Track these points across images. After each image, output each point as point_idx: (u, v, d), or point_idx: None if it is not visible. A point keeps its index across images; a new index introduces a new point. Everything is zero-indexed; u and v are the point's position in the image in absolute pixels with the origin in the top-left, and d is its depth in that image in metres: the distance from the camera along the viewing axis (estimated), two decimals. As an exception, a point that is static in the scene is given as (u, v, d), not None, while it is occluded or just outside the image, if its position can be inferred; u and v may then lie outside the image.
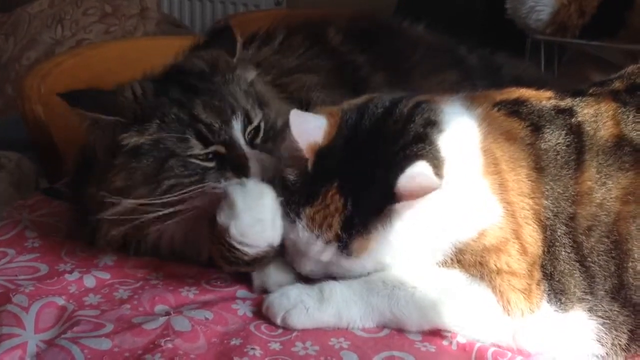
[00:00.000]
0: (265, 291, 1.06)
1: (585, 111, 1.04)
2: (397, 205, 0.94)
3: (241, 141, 1.11)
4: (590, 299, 0.96)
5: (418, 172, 0.93)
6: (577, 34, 1.77)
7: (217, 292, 1.08)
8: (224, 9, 3.11)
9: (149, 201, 1.08)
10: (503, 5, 1.84)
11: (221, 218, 1.00)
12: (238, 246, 1.00)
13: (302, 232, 0.97)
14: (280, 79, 1.35)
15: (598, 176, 0.98)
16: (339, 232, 0.96)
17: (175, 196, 1.08)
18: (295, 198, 0.98)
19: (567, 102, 1.06)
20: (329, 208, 0.96)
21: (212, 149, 1.10)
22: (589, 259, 0.97)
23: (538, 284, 0.97)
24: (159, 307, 1.04)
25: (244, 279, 1.10)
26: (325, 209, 0.96)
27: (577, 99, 1.06)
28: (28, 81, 1.71)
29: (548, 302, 0.97)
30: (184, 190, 1.08)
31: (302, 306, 0.97)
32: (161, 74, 1.22)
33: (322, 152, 0.99)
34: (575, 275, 0.97)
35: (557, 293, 0.97)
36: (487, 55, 1.64)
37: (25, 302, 1.02)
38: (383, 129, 1.00)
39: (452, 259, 0.99)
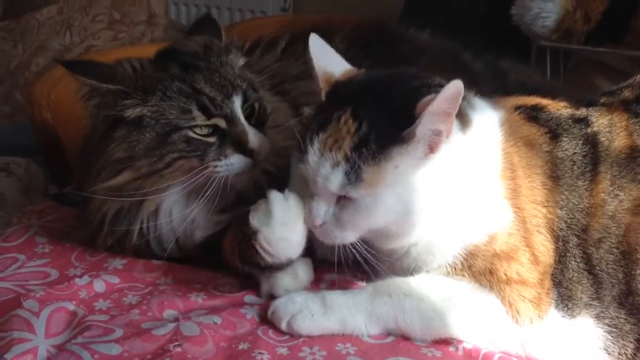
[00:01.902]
0: (272, 296, 1.07)
1: (600, 121, 1.04)
2: (417, 130, 0.88)
3: (242, 117, 1.14)
4: (597, 305, 0.97)
5: (448, 93, 0.86)
6: (582, 41, 1.77)
7: (225, 297, 1.10)
8: (231, 15, 3.12)
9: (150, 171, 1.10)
10: (508, 11, 1.85)
11: (254, 220, 1.02)
12: (260, 251, 1.03)
13: (312, 158, 0.92)
14: (284, 85, 1.37)
15: (611, 188, 0.99)
16: (349, 152, 0.90)
17: (175, 170, 1.10)
18: (309, 130, 0.95)
19: (582, 112, 1.06)
20: (340, 131, 0.92)
21: (213, 121, 1.13)
22: (597, 267, 0.97)
23: (548, 293, 0.97)
24: (167, 312, 1.05)
25: (252, 284, 1.11)
26: (337, 133, 0.92)
27: (591, 108, 1.06)
28: (37, 87, 1.73)
29: (555, 308, 0.97)
30: (185, 166, 1.10)
31: (307, 312, 0.98)
32: (156, 55, 1.24)
33: (338, 85, 0.98)
34: (583, 282, 0.97)
35: (565, 299, 0.97)
36: (493, 61, 1.64)
37: (36, 307, 1.03)
38: (404, 78, 0.97)
39: (462, 264, 0.98)
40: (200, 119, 1.12)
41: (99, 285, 1.12)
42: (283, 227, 1.01)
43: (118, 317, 1.03)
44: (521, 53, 1.78)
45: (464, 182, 0.97)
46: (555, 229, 0.98)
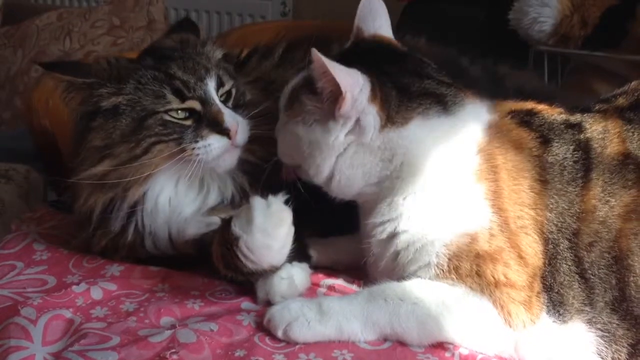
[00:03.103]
0: (269, 303, 1.07)
1: (594, 127, 1.05)
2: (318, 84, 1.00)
3: (216, 99, 1.16)
4: (589, 310, 0.97)
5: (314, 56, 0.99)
6: (579, 45, 1.77)
7: (222, 304, 1.10)
8: (231, 20, 3.13)
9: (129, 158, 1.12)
10: (506, 16, 1.85)
11: (236, 227, 1.02)
12: (241, 258, 1.03)
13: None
14: (280, 92, 1.36)
15: (603, 194, 0.99)
16: (298, 83, 1.07)
17: (155, 156, 1.12)
18: None
19: (576, 117, 1.07)
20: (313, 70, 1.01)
21: (188, 104, 1.14)
22: (589, 271, 0.98)
23: (538, 296, 0.98)
24: (164, 320, 1.05)
25: (248, 291, 1.11)
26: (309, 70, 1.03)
27: (586, 114, 1.07)
28: (36, 94, 1.73)
29: (547, 314, 0.98)
30: (164, 152, 1.12)
31: (303, 319, 0.98)
32: (137, 55, 1.28)
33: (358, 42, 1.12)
34: (575, 286, 0.98)
35: (556, 304, 0.98)
36: (490, 66, 1.64)
37: (33, 315, 1.03)
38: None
39: (448, 265, 0.99)
40: (174, 103, 1.14)
41: (96, 293, 1.12)
42: (264, 233, 1.01)
43: (115, 325, 1.03)
44: (519, 58, 1.78)
45: (427, 174, 1.01)
46: (545, 231, 0.99)
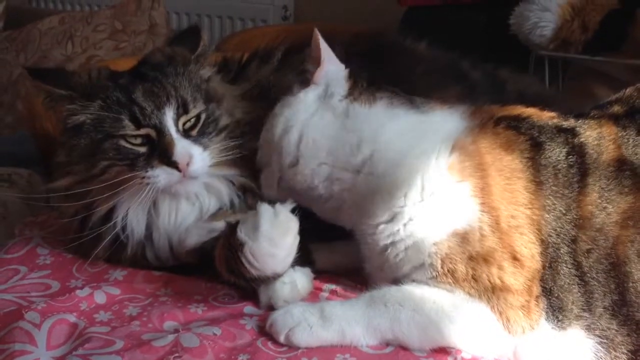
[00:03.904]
0: (272, 307, 1.08)
1: (588, 133, 1.05)
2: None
3: (171, 128, 1.15)
4: (587, 316, 0.97)
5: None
6: (580, 50, 1.78)
7: (224, 309, 1.10)
8: (232, 24, 3.14)
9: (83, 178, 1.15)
10: (507, 20, 1.86)
11: (241, 233, 1.03)
12: (245, 264, 1.03)
13: None
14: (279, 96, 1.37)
15: (599, 201, 0.99)
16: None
17: (114, 177, 1.13)
18: None
19: (570, 123, 1.07)
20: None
21: (143, 131, 1.14)
22: (588, 274, 0.98)
23: (537, 300, 0.98)
24: (168, 324, 1.05)
25: (251, 295, 1.12)
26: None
27: (580, 120, 1.07)
28: (39, 98, 1.73)
29: (546, 320, 0.98)
30: (122, 175, 1.13)
31: (305, 324, 0.99)
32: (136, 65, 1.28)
33: None
34: (574, 290, 0.98)
35: (555, 310, 0.98)
36: (491, 71, 1.64)
37: (37, 319, 1.04)
38: None
39: (442, 267, 0.99)
40: (129, 129, 1.14)
41: (99, 297, 1.12)
42: (270, 242, 1.02)
43: (119, 329, 1.03)
44: (519, 62, 1.78)
45: (403, 171, 1.03)
46: (543, 232, 0.99)
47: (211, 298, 1.13)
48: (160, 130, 1.14)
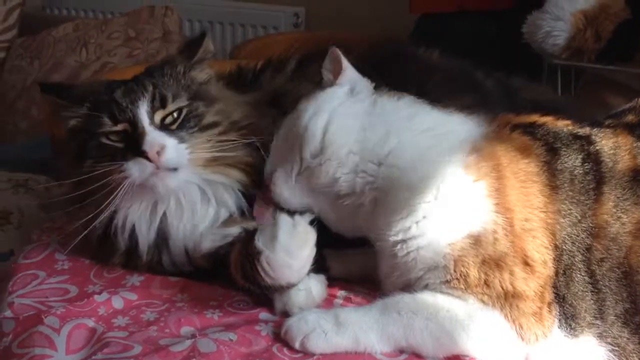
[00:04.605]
0: (287, 313, 1.08)
1: (604, 142, 1.05)
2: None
3: (145, 121, 1.15)
4: (599, 324, 0.98)
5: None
6: (593, 59, 1.78)
7: (240, 315, 1.11)
8: (244, 31, 3.16)
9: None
10: (519, 29, 1.86)
11: (259, 241, 1.04)
12: (261, 272, 1.04)
13: None
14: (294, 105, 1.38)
15: (615, 210, 1.00)
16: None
17: (99, 181, 1.13)
18: None
19: (585, 130, 1.08)
20: None
21: (120, 127, 1.16)
22: (600, 282, 0.98)
23: (549, 307, 0.98)
24: (184, 329, 1.06)
25: (266, 302, 1.13)
26: None
27: (595, 129, 1.08)
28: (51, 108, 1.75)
29: (559, 327, 0.98)
30: (106, 177, 1.13)
31: (320, 330, 0.99)
32: None
33: None
34: (587, 298, 0.98)
35: (568, 318, 0.98)
36: (504, 80, 1.65)
37: (56, 324, 1.05)
38: None
39: (455, 271, 0.99)
40: (107, 126, 1.16)
41: (117, 302, 1.14)
42: (287, 253, 1.03)
43: (136, 334, 1.05)
44: (532, 71, 1.79)
45: (421, 168, 1.04)
46: (557, 237, 0.99)
47: (226, 304, 1.14)
48: (134, 124, 1.15)
